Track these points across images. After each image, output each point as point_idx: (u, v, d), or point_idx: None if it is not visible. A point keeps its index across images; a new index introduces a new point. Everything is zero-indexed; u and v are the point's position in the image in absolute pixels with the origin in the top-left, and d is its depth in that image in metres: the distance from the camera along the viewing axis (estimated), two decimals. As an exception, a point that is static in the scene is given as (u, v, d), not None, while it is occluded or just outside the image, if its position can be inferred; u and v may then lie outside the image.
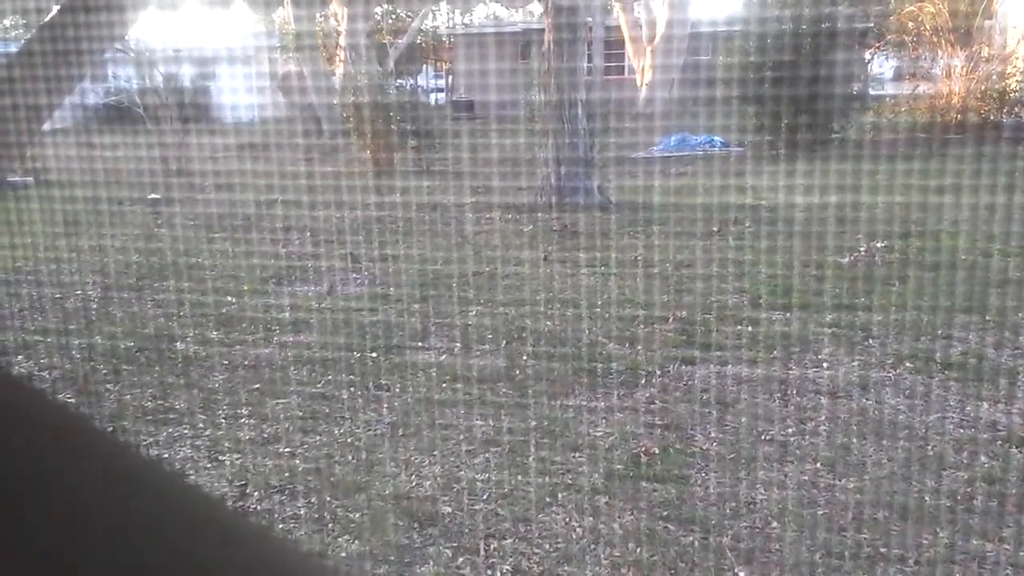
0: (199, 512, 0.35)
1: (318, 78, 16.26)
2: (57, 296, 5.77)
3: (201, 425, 3.69)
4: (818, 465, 3.17)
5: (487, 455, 3.34)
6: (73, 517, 0.30)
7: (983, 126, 11.58)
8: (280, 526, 2.86)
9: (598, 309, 5.13)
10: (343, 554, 2.71)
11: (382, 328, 4.93)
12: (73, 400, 4.00)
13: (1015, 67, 12.33)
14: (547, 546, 2.71)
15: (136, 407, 3.90)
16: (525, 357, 4.37)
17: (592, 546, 2.71)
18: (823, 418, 3.56)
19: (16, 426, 0.33)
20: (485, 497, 3.02)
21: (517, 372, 4.17)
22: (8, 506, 0.29)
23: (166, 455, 3.41)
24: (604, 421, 3.61)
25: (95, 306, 5.55)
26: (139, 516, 0.32)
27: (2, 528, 0.28)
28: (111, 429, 3.50)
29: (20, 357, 4.60)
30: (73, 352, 4.70)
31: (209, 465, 3.33)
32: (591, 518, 2.86)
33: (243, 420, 3.74)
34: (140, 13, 4.03)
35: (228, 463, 3.35)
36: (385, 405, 3.85)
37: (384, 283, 5.92)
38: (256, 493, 3.11)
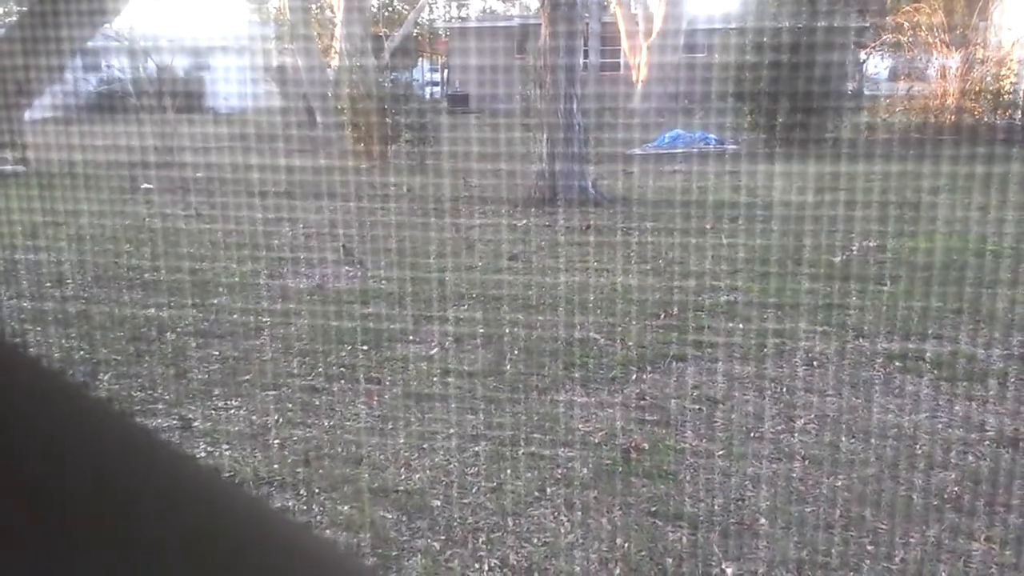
0: (204, 489, 0.35)
1: (313, 70, 16.19)
2: (47, 285, 5.75)
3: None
4: (806, 462, 3.18)
5: (475, 450, 3.33)
6: (78, 494, 0.30)
7: (977, 127, 11.62)
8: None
9: (589, 304, 5.13)
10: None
11: (372, 321, 4.92)
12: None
13: (1009, 69, 12.37)
14: (535, 540, 2.71)
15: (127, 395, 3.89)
16: (515, 352, 4.36)
17: (580, 541, 2.71)
18: (812, 415, 3.57)
19: (20, 401, 0.33)
20: (474, 491, 3.02)
21: (506, 367, 4.17)
22: (13, 483, 0.28)
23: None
24: (594, 417, 3.61)
25: (85, 296, 5.53)
26: (143, 492, 0.32)
27: (5, 506, 0.28)
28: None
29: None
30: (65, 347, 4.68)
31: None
32: (579, 513, 2.86)
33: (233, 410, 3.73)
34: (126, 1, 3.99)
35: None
36: (374, 398, 3.85)
37: (375, 276, 5.91)
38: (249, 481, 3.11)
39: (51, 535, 0.27)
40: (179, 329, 4.80)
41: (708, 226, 7.09)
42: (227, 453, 3.35)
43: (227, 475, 3.15)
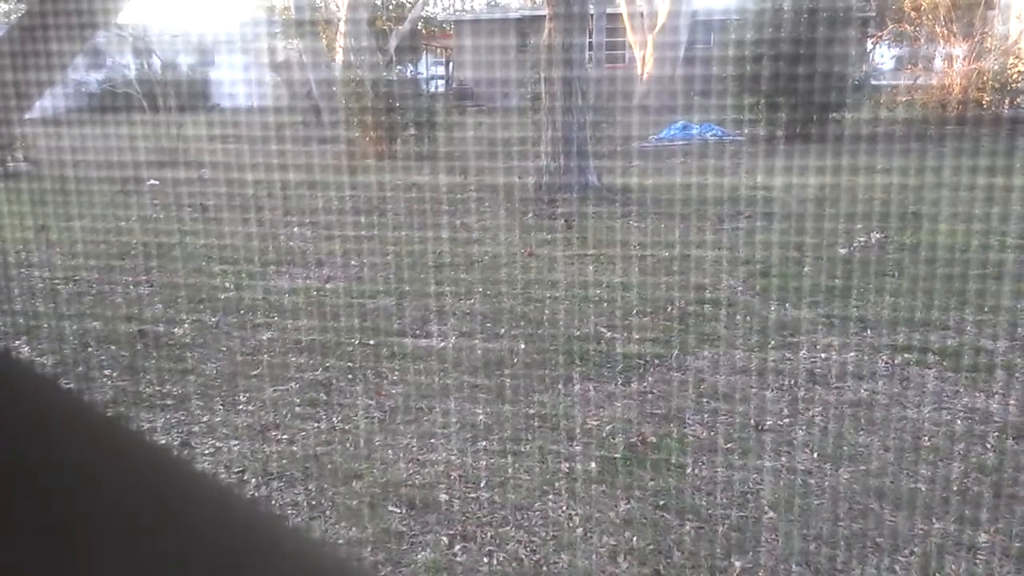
0: (203, 492, 0.35)
1: (317, 64, 16.18)
2: (55, 281, 5.76)
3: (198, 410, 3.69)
4: (814, 455, 3.17)
5: (483, 443, 3.34)
6: (78, 497, 0.30)
7: (984, 116, 11.56)
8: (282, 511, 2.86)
9: (596, 297, 5.12)
10: (341, 540, 2.72)
11: (377, 315, 4.93)
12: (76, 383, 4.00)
13: (1017, 58, 12.28)
14: (543, 534, 2.72)
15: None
16: (522, 345, 4.36)
17: (589, 534, 2.71)
18: (819, 407, 3.56)
19: (20, 409, 0.33)
20: (483, 485, 3.03)
21: (513, 360, 4.17)
22: (13, 485, 0.29)
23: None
24: (601, 410, 3.61)
25: (93, 291, 5.54)
26: (143, 496, 0.32)
27: (5, 511, 0.28)
28: (114, 413, 3.52)
29: (19, 342, 4.60)
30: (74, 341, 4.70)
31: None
32: (588, 506, 2.86)
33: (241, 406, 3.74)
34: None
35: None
36: (381, 392, 3.85)
37: (378, 270, 5.91)
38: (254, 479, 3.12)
39: (50, 538, 0.28)
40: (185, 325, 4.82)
41: (715, 218, 7.06)
42: (235, 448, 3.37)
43: (236, 469, 3.16)
